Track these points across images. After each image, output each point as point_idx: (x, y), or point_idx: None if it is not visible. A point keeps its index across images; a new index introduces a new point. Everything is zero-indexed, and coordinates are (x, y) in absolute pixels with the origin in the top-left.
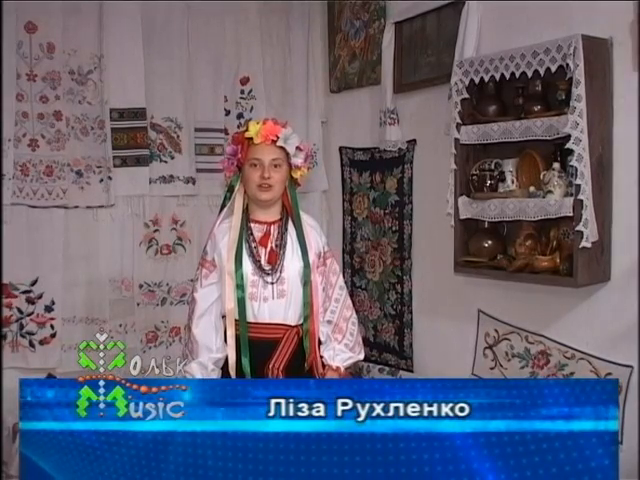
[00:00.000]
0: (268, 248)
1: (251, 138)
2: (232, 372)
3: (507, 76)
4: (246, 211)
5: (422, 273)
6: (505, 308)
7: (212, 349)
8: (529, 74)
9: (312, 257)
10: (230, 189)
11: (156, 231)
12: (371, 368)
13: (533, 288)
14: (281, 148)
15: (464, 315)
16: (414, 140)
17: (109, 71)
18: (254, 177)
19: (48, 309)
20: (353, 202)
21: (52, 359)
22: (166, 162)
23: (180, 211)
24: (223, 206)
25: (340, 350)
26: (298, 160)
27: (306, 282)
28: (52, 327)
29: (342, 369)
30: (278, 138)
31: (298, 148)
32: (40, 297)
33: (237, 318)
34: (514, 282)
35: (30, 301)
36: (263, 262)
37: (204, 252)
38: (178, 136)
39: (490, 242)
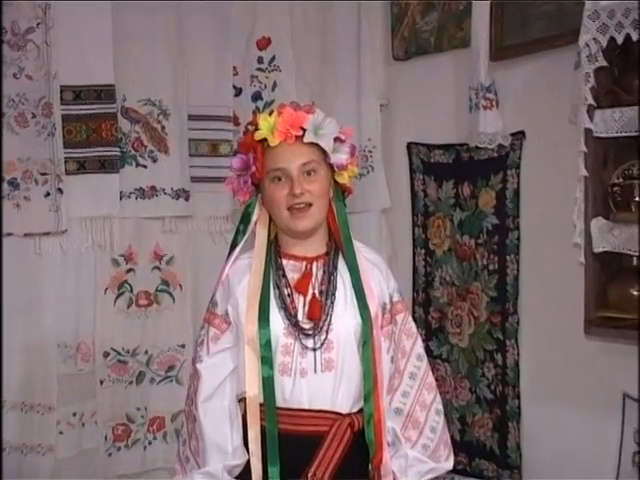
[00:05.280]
0: (309, 296)
1: (265, 139)
2: None
3: None
4: (275, 242)
5: (535, 336)
6: None
7: (227, 450)
8: None
9: (374, 308)
10: (245, 219)
11: (130, 271)
12: None
13: None
14: (312, 145)
15: (601, 401)
16: (522, 132)
17: (59, 29)
18: (280, 197)
19: None
20: (428, 227)
21: None
22: (145, 167)
23: (167, 241)
24: (234, 244)
25: (416, 458)
26: (341, 157)
27: (366, 342)
28: None
29: None
30: (305, 131)
31: (338, 139)
32: None
33: (261, 402)
34: None
35: None
36: (301, 317)
37: (212, 303)
38: (163, 127)
39: None
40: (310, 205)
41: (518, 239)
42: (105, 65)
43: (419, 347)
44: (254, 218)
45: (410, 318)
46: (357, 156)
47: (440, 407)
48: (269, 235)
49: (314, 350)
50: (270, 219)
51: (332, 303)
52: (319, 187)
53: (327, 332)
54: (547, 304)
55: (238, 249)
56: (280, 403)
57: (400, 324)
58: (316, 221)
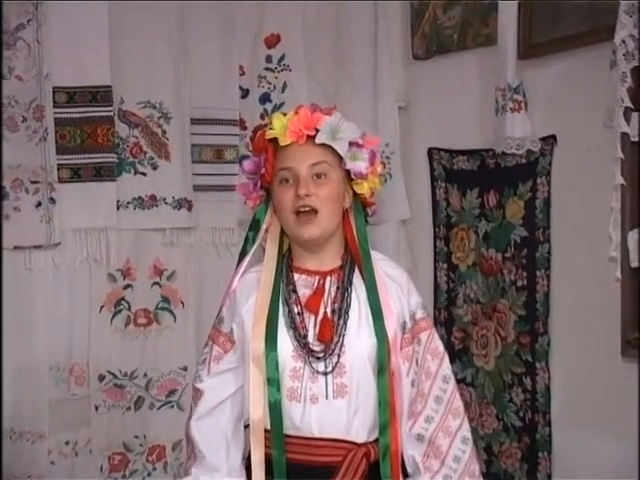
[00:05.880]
0: (320, 315)
1: (276, 139)
2: None
3: None
4: (287, 255)
5: (567, 358)
6: None
7: (220, 469)
8: None
9: (392, 329)
10: (254, 226)
11: (128, 287)
12: None
13: None
14: (326, 147)
15: None
16: (552, 137)
17: (51, 26)
18: (286, 200)
19: None
20: (451, 239)
21: None
22: (144, 174)
23: (167, 254)
24: (243, 254)
25: None
26: (359, 164)
27: (382, 367)
28: None
29: None
30: (317, 132)
31: (355, 144)
32: None
33: (267, 429)
34: None
35: None
36: (311, 338)
37: (218, 319)
38: (164, 132)
39: None
40: (316, 211)
41: (549, 253)
42: (101, 65)
43: (446, 368)
44: (264, 226)
45: (436, 336)
46: (378, 165)
47: (467, 435)
48: (282, 247)
49: (325, 374)
50: (281, 230)
51: (345, 323)
52: (328, 192)
53: (339, 355)
54: (580, 323)
55: (248, 259)
56: (289, 431)
57: (424, 343)
58: (324, 229)
